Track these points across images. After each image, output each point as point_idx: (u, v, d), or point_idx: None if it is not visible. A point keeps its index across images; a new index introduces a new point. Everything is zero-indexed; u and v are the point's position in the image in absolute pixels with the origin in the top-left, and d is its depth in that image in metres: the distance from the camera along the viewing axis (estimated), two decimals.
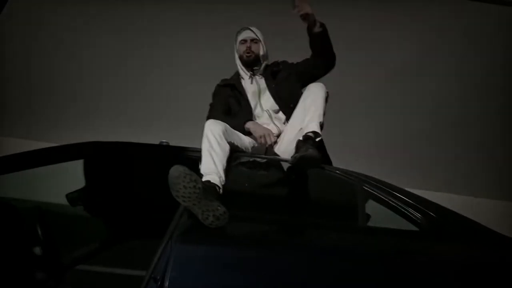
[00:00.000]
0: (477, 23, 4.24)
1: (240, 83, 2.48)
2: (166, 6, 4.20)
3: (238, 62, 2.51)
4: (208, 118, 2.30)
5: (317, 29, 2.26)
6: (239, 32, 2.52)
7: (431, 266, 1.62)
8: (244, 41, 2.49)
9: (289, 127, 2.29)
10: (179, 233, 1.60)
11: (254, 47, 2.48)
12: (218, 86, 2.53)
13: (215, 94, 2.51)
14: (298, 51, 2.46)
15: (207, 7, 4.21)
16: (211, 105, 2.47)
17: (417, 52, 4.39)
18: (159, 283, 1.48)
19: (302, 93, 2.28)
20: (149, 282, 1.51)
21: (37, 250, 2.07)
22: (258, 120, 2.39)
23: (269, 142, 2.24)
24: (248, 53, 2.46)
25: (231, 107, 2.43)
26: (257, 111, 2.42)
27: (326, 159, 2.25)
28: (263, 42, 2.51)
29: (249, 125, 2.29)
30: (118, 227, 2.56)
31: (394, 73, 4.44)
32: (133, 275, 2.30)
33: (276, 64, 2.53)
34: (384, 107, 4.56)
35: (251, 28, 2.51)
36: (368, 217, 1.96)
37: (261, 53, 2.49)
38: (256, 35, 2.50)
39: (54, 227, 2.17)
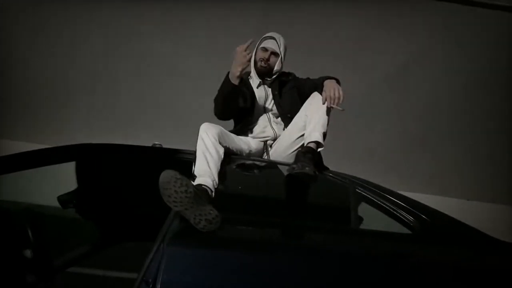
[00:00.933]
0: (474, 25, 4.27)
1: (250, 77, 2.49)
2: (165, 10, 4.21)
3: (252, 64, 2.46)
4: (215, 100, 2.30)
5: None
6: (265, 38, 2.46)
7: (423, 269, 1.62)
8: (265, 49, 2.43)
9: (287, 133, 2.30)
10: (171, 236, 1.59)
11: (272, 60, 2.43)
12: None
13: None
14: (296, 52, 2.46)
15: (206, 13, 4.22)
16: (219, 90, 2.44)
17: (414, 55, 4.41)
18: (150, 286, 1.47)
19: (300, 107, 2.26)
20: (140, 285, 1.50)
21: (28, 252, 2.05)
22: (257, 121, 2.41)
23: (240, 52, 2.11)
24: (264, 63, 2.42)
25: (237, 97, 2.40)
26: (258, 114, 2.43)
27: (321, 166, 2.23)
28: (283, 58, 2.45)
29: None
30: (109, 230, 2.55)
31: (390, 75, 4.46)
32: (125, 277, 2.29)
33: (286, 74, 2.51)
34: (379, 110, 4.58)
35: (278, 40, 2.44)
36: (360, 219, 1.96)
37: (276, 68, 2.45)
38: (279, 50, 2.43)
39: (45, 229, 2.14)
